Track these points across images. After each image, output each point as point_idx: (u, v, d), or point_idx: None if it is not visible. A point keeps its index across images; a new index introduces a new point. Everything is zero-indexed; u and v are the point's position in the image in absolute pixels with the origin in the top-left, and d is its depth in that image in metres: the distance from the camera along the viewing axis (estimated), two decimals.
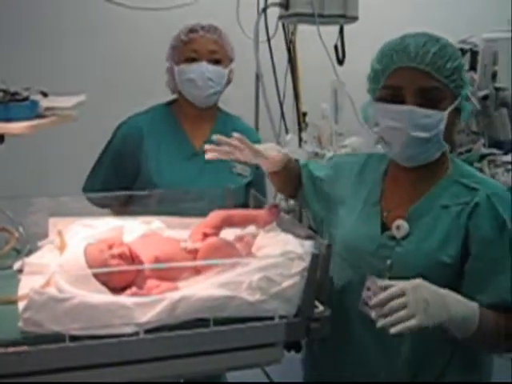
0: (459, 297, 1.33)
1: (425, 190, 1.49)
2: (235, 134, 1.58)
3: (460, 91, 1.43)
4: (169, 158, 2.16)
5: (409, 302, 1.24)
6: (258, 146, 1.63)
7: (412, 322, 1.23)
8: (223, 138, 1.59)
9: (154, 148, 2.17)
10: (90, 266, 1.38)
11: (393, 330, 1.22)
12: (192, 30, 2.18)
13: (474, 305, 1.34)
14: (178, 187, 1.95)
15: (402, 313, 1.23)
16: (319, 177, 1.71)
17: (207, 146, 1.61)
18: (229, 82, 2.25)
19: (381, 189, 1.58)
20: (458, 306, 1.30)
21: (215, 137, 1.60)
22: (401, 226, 1.48)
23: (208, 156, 1.61)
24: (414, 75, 1.40)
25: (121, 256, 1.41)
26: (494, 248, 1.39)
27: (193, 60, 2.16)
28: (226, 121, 2.29)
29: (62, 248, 1.51)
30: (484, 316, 1.34)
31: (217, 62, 2.18)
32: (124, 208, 1.82)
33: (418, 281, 1.29)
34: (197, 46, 2.17)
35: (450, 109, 1.41)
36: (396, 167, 1.55)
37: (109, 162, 2.19)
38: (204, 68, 2.14)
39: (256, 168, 2.11)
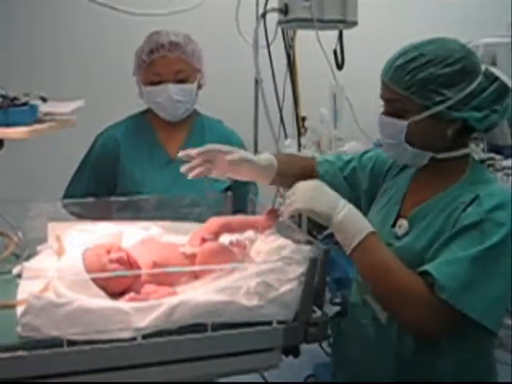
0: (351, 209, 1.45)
1: (435, 193, 1.52)
2: (198, 149, 1.61)
3: (433, 102, 1.42)
4: (144, 167, 2.14)
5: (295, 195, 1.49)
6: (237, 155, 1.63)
7: (290, 208, 1.48)
8: (188, 155, 1.63)
9: (130, 157, 2.16)
10: (89, 271, 1.38)
11: (283, 217, 1.59)
12: (152, 51, 2.09)
13: (366, 225, 1.42)
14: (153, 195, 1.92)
15: (287, 201, 1.50)
16: (353, 166, 1.78)
17: (183, 169, 1.62)
18: (200, 87, 2.22)
19: (406, 189, 1.62)
20: (328, 198, 1.47)
21: (182, 154, 1.63)
22: (402, 225, 1.52)
23: (189, 177, 1.62)
24: (384, 87, 1.51)
25: (119, 261, 1.42)
26: (464, 237, 1.38)
27: (158, 82, 2.10)
28: (203, 125, 2.27)
29: (60, 253, 1.51)
30: (379, 246, 1.41)
31: (183, 80, 2.12)
32: (107, 216, 1.79)
33: (313, 181, 1.52)
34: (160, 69, 2.10)
35: (413, 119, 1.44)
36: (418, 170, 1.59)
37: (88, 173, 2.18)
38: (170, 91, 2.09)
39: None
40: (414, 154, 1.49)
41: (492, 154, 3.20)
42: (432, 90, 1.42)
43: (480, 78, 1.44)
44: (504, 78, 1.46)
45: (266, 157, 1.71)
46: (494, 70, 1.48)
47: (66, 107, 1.75)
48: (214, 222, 1.65)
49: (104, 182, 2.14)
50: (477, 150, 1.55)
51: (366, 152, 1.81)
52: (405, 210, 1.57)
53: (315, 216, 1.46)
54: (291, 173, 1.72)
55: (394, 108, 1.48)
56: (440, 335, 1.42)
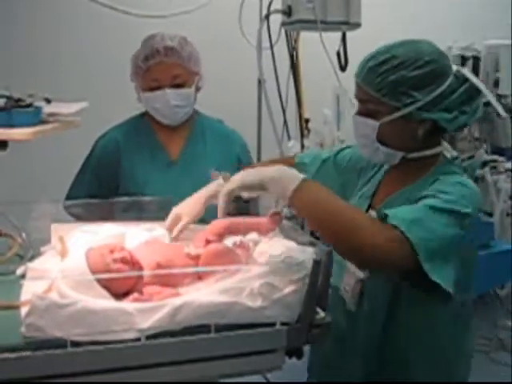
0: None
1: (403, 187, 1.57)
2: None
3: (403, 104, 1.46)
4: (145, 169, 2.15)
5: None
6: None
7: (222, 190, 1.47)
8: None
9: (131, 159, 2.16)
10: (92, 271, 1.38)
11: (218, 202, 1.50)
12: (148, 57, 2.09)
13: (301, 175, 1.41)
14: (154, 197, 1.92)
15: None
16: (330, 159, 1.82)
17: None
18: (198, 89, 2.22)
19: (378, 184, 1.67)
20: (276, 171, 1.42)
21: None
22: (370, 215, 1.55)
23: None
24: (357, 87, 1.55)
25: (122, 260, 1.42)
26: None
27: (155, 88, 2.10)
28: (204, 126, 2.26)
29: (63, 254, 1.52)
30: (319, 187, 1.41)
31: (181, 85, 2.11)
32: (110, 217, 1.79)
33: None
34: (157, 75, 2.09)
35: (384, 119, 1.49)
36: (391, 167, 1.64)
37: (89, 176, 2.18)
38: (168, 96, 2.08)
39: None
40: (385, 154, 1.53)
41: (495, 156, 3.21)
42: (402, 92, 1.46)
43: (450, 80, 1.48)
44: (475, 79, 1.49)
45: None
46: (465, 71, 1.52)
47: (70, 108, 1.75)
48: (218, 223, 1.65)
49: (105, 184, 2.14)
50: (449, 149, 1.57)
51: (342, 149, 1.84)
52: (375, 202, 1.63)
53: (248, 189, 1.44)
54: None
55: (366, 108, 1.52)
56: (388, 266, 1.39)
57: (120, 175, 2.15)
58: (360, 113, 1.54)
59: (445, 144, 1.58)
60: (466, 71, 1.51)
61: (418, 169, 1.55)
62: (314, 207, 1.39)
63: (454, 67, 1.52)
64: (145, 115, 2.24)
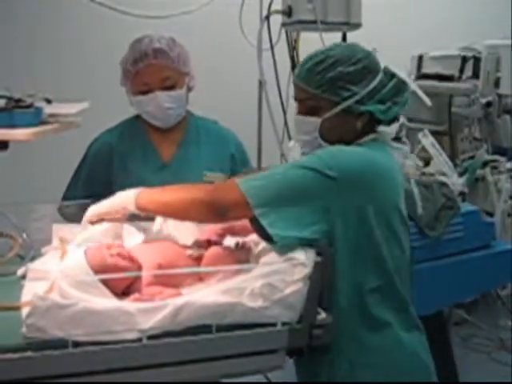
0: None
1: None
2: None
3: (342, 98, 1.57)
4: (137, 171, 2.13)
5: None
6: None
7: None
8: None
9: (124, 162, 2.15)
10: (91, 266, 1.39)
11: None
12: (137, 60, 2.06)
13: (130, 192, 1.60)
14: None
15: None
16: None
17: None
18: (190, 89, 2.19)
19: None
20: None
21: None
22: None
23: None
24: (297, 89, 1.65)
25: (119, 254, 1.44)
26: None
27: (146, 91, 2.07)
28: (198, 126, 2.25)
29: (63, 254, 1.52)
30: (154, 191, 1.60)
31: (171, 87, 2.09)
32: None
33: None
34: (146, 78, 2.07)
35: (326, 115, 1.58)
36: None
37: (83, 180, 2.17)
38: (160, 99, 2.06)
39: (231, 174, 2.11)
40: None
41: (496, 156, 3.20)
42: (341, 86, 1.57)
43: (381, 75, 1.61)
44: (401, 74, 1.63)
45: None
46: (391, 68, 1.64)
47: (71, 109, 1.75)
48: (218, 225, 1.65)
49: (99, 188, 2.13)
50: (387, 131, 1.64)
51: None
52: None
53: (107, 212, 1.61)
54: None
55: (307, 107, 1.62)
56: (225, 213, 1.47)
57: (113, 178, 2.14)
58: (301, 112, 1.63)
59: (381, 128, 1.66)
60: (393, 68, 1.64)
61: None
62: (156, 205, 1.56)
63: (382, 65, 1.64)
64: (138, 117, 2.23)
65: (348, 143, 1.59)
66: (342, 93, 1.56)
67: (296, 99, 1.66)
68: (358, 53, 1.60)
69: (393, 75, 1.62)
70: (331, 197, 1.45)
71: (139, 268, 1.46)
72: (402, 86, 1.62)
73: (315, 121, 1.60)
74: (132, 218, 1.64)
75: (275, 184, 1.46)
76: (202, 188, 1.57)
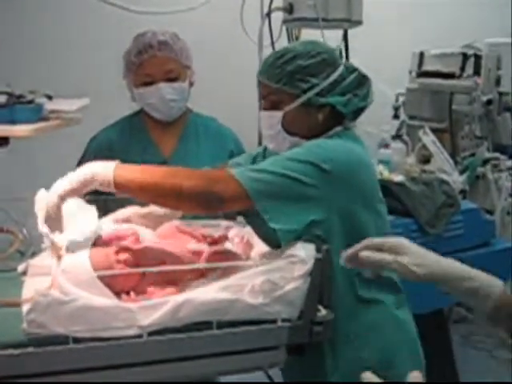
0: None
1: None
2: None
3: (302, 90, 1.60)
4: None
5: None
6: None
7: None
8: None
9: (124, 158, 2.14)
10: (95, 269, 1.38)
11: None
12: (141, 52, 2.08)
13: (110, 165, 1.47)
14: None
15: None
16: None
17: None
18: (191, 84, 2.21)
19: None
20: None
21: None
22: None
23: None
24: (260, 85, 1.68)
25: (126, 262, 1.42)
26: None
27: (149, 83, 2.09)
28: (197, 123, 2.25)
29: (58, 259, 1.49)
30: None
31: (174, 79, 2.11)
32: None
33: None
34: (150, 70, 2.09)
35: (287, 108, 1.61)
36: None
37: None
38: (163, 91, 2.08)
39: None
40: (291, 142, 1.63)
41: (496, 154, 3.20)
42: (300, 79, 1.60)
43: (341, 69, 1.64)
44: (362, 70, 1.68)
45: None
46: (353, 63, 1.72)
47: (72, 105, 1.74)
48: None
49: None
50: (354, 124, 1.69)
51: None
52: None
53: (76, 192, 1.45)
54: None
55: (270, 102, 1.64)
56: (221, 204, 1.46)
57: None
58: (265, 108, 1.67)
59: (347, 123, 1.68)
60: (355, 63, 1.72)
61: None
62: (138, 186, 1.45)
63: (343, 60, 1.72)
64: (138, 114, 2.24)
65: (313, 137, 1.61)
66: (301, 85, 1.60)
67: (260, 96, 1.70)
68: (318, 47, 1.64)
69: (354, 69, 1.66)
70: (327, 190, 1.47)
71: (143, 274, 1.43)
72: (362, 79, 1.66)
73: (277, 114, 1.63)
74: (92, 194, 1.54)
75: (273, 177, 1.45)
76: (192, 175, 1.48)
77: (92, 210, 1.58)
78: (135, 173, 1.47)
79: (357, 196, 1.52)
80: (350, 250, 1.24)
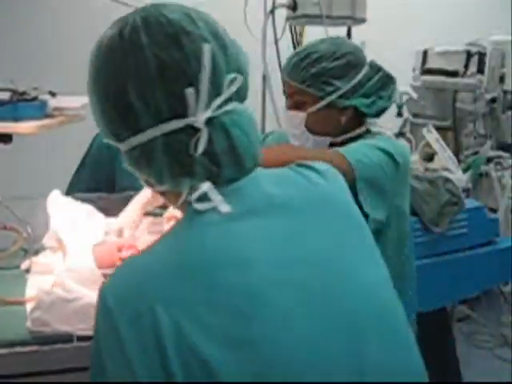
0: None
1: None
2: None
3: (326, 93, 1.59)
4: None
5: None
6: None
7: None
8: None
9: None
10: (99, 267, 1.37)
11: None
12: None
13: None
14: None
15: None
16: None
17: None
18: None
19: None
20: None
21: None
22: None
23: None
24: (285, 83, 1.68)
25: None
26: None
27: None
28: None
29: (64, 254, 1.49)
30: None
31: None
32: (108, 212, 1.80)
33: None
34: None
35: (310, 109, 1.60)
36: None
37: (87, 174, 2.17)
38: None
39: None
40: (315, 141, 1.63)
41: (500, 152, 3.20)
42: (324, 81, 1.59)
43: (366, 69, 1.62)
44: (387, 69, 1.66)
45: None
46: (377, 62, 1.67)
47: (76, 102, 1.74)
48: None
49: (103, 182, 2.13)
50: (372, 122, 1.70)
51: (267, 135, 1.93)
52: None
53: None
54: None
55: (294, 101, 1.64)
56: None
57: (117, 171, 2.15)
58: (289, 107, 1.66)
59: (371, 122, 1.70)
60: (378, 62, 1.68)
61: None
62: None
63: (368, 58, 1.66)
64: None
65: (336, 136, 1.62)
66: (325, 88, 1.59)
67: (284, 94, 1.69)
68: (342, 48, 1.62)
69: (379, 69, 1.64)
70: (394, 182, 1.48)
71: None
72: (387, 80, 1.64)
73: (301, 115, 1.63)
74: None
75: (367, 161, 1.45)
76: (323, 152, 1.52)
77: (100, 216, 1.60)
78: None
79: (406, 192, 1.54)
80: None
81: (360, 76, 1.60)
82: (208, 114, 0.83)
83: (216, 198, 0.83)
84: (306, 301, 0.79)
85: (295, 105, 1.64)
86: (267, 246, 0.82)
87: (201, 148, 0.82)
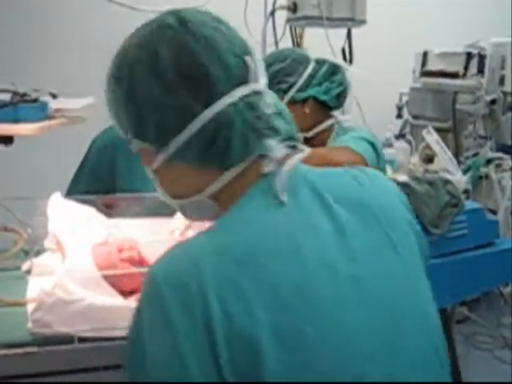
0: None
1: None
2: None
3: (283, 90, 1.78)
4: (141, 167, 2.13)
5: None
6: None
7: None
8: None
9: (127, 158, 2.15)
10: (99, 268, 1.38)
11: None
12: None
13: None
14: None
15: None
16: None
17: None
18: None
19: None
20: None
21: None
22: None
23: None
24: None
25: (130, 260, 1.41)
26: None
27: None
28: None
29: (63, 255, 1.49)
30: None
31: None
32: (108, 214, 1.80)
33: None
34: None
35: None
36: None
37: (86, 178, 2.17)
38: None
39: None
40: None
41: (500, 154, 3.20)
42: (279, 81, 1.78)
43: (313, 65, 1.83)
44: (333, 59, 1.90)
45: None
46: (323, 57, 1.88)
47: (77, 104, 1.74)
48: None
49: (102, 184, 2.13)
50: (346, 118, 1.82)
51: None
52: None
53: None
54: None
55: None
56: None
57: (116, 174, 2.15)
58: None
59: (336, 113, 1.89)
60: (327, 57, 1.90)
61: (321, 143, 1.84)
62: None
63: (313, 57, 1.87)
64: None
65: (307, 131, 1.79)
66: (282, 86, 1.77)
67: None
68: (283, 52, 1.85)
69: (324, 61, 1.84)
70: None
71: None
72: (335, 68, 1.84)
73: None
74: None
75: (366, 153, 1.67)
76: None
77: (101, 218, 1.60)
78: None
79: None
80: None
81: (309, 70, 1.81)
82: (265, 79, 0.92)
83: (280, 184, 0.86)
84: (354, 295, 0.82)
85: None
86: (316, 240, 0.84)
87: (270, 109, 0.89)
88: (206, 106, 0.86)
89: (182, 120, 0.87)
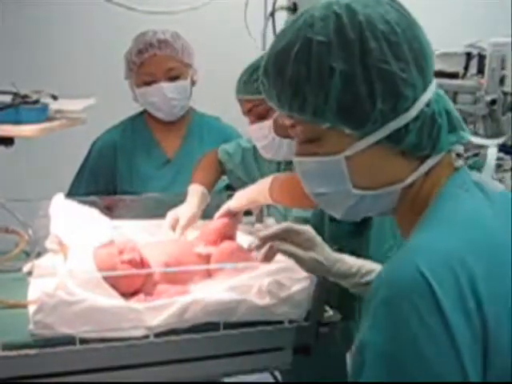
0: None
1: None
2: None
3: None
4: (141, 168, 2.14)
5: None
6: None
7: None
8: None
9: (127, 160, 2.16)
10: (100, 270, 1.37)
11: None
12: (142, 51, 2.08)
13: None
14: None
15: None
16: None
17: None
18: (194, 83, 2.21)
19: None
20: None
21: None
22: None
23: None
24: (242, 102, 1.72)
25: (131, 262, 1.41)
26: None
27: (151, 82, 2.09)
28: (201, 123, 2.26)
29: (65, 256, 1.49)
30: None
31: (176, 77, 2.11)
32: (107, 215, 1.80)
33: None
34: (151, 69, 2.08)
35: (275, 114, 1.61)
36: None
37: (87, 179, 2.18)
38: (164, 89, 2.08)
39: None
40: (288, 144, 1.65)
41: (501, 154, 3.19)
42: None
43: None
44: None
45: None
46: None
47: (77, 105, 1.74)
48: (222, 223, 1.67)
49: (103, 187, 2.14)
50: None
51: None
52: None
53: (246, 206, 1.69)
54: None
55: (256, 115, 1.69)
56: None
57: (117, 176, 2.15)
58: (253, 122, 1.70)
59: None
60: None
61: None
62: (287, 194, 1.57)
63: None
64: (141, 114, 2.24)
65: None
66: None
67: (244, 113, 1.73)
68: None
69: None
70: None
71: (150, 273, 1.43)
72: None
73: (267, 124, 1.67)
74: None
75: None
76: None
77: (104, 219, 1.60)
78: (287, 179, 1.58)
79: None
80: (271, 230, 1.24)
81: None
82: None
83: (487, 178, 0.93)
84: None
85: (258, 117, 1.68)
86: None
87: (444, 110, 0.89)
88: (425, 88, 0.87)
89: (407, 101, 0.86)
